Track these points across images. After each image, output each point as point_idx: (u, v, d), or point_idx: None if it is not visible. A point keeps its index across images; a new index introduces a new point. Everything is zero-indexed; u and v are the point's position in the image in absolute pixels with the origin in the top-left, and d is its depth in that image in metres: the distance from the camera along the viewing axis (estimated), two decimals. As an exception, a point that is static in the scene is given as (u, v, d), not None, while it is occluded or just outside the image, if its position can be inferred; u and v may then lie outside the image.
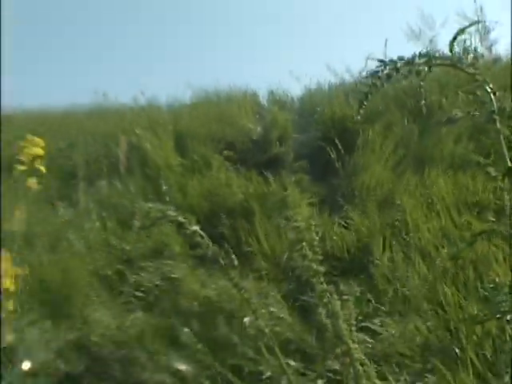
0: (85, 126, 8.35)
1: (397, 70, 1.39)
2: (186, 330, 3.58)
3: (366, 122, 6.01)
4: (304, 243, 1.97)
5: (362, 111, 1.42)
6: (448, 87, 6.20)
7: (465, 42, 7.11)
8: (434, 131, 5.77)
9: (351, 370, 2.14)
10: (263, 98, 8.47)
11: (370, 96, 1.38)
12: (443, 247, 3.92)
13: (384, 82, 1.38)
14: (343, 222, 4.71)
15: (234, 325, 3.42)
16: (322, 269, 2.00)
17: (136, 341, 3.69)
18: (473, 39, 7.33)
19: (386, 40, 7.07)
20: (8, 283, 2.87)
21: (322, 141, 5.98)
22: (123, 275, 4.49)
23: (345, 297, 2.15)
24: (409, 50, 1.46)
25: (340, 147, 5.63)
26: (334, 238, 4.49)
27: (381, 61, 1.38)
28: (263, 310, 2.34)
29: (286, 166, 5.92)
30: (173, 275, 4.26)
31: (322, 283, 2.04)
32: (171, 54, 22.82)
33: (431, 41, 7.47)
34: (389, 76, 1.37)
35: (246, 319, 3.02)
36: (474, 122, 5.42)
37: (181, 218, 1.83)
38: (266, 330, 2.05)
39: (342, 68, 7.96)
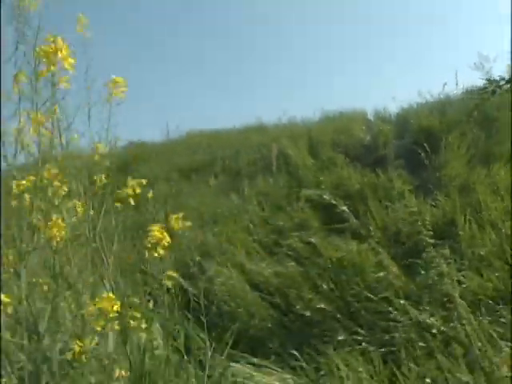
0: (246, 138, 8.59)
1: (499, 87, 1.24)
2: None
3: (447, 130, 5.81)
4: (419, 222, 1.87)
5: (474, 116, 1.28)
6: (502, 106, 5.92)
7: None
8: (495, 137, 5.49)
9: (455, 313, 2.04)
10: (370, 114, 8.31)
11: (479, 106, 1.24)
12: (507, 220, 3.80)
13: (489, 96, 1.24)
14: (433, 203, 4.53)
15: (363, 278, 3.35)
16: (431, 241, 1.90)
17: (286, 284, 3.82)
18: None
19: (456, 72, 6.96)
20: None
21: (414, 145, 5.78)
22: (277, 242, 4.61)
23: (449, 260, 2.04)
24: (470, 79, 1.31)
25: (427, 149, 5.42)
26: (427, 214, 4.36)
27: (488, 80, 1.23)
28: (393, 269, 2.23)
29: (389, 163, 5.76)
30: (312, 241, 4.26)
31: (431, 251, 1.94)
32: (306, 82, 22.83)
33: (487, 72, 7.07)
34: (493, 92, 1.23)
35: (379, 274, 2.91)
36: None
37: (333, 201, 1.77)
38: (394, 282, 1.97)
39: (425, 91, 7.58)
